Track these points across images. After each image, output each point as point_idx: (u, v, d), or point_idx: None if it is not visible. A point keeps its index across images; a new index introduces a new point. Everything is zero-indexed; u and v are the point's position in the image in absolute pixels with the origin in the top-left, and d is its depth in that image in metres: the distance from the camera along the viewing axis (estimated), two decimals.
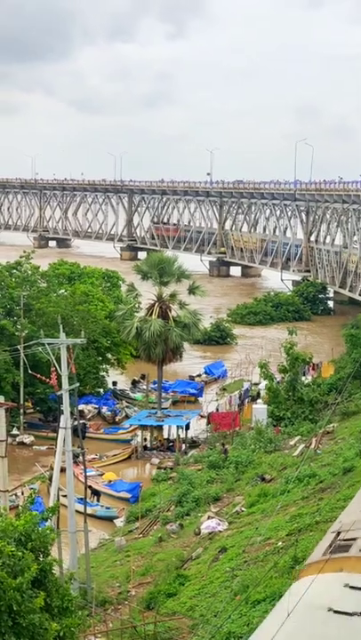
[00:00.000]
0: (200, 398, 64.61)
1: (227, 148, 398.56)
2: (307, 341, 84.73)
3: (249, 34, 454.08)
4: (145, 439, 53.43)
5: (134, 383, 68.45)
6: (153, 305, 55.68)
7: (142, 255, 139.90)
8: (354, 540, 13.32)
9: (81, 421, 46.16)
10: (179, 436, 52.86)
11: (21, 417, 54.85)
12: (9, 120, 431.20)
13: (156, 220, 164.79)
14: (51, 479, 33.39)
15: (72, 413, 31.28)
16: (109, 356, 64.53)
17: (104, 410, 59.95)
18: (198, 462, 45.78)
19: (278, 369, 54.09)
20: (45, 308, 59.65)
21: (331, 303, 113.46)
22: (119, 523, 40.79)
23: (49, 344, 31.16)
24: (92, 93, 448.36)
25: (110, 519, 41.60)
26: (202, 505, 37.24)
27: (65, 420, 29.72)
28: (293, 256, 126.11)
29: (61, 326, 32.13)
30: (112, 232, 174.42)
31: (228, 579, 26.44)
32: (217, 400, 61.06)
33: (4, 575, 15.41)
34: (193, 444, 53.25)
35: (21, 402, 54.58)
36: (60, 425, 29.91)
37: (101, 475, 47.14)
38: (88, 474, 37.14)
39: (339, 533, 14.05)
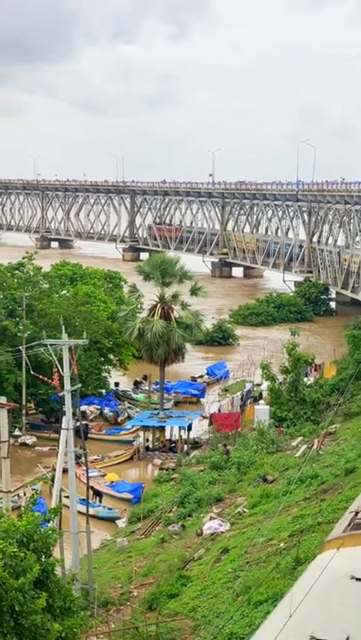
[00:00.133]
0: (202, 399, 64.60)
1: (229, 149, 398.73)
2: (309, 342, 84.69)
3: (251, 34, 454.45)
4: (147, 440, 53.43)
5: (136, 384, 68.45)
6: (155, 306, 55.68)
7: (144, 256, 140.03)
8: None
9: (83, 422, 46.19)
10: (181, 436, 52.86)
11: (23, 418, 54.85)
12: (11, 121, 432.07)
13: (158, 220, 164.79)
14: (53, 480, 33.40)
15: (74, 414, 31.29)
16: (111, 356, 64.55)
17: (106, 411, 59.95)
18: (200, 463, 45.77)
19: (280, 370, 54.07)
20: (47, 308, 59.67)
21: (333, 304, 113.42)
22: (121, 523, 40.78)
23: (51, 345, 31.18)
24: (94, 94, 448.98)
25: (112, 520, 41.61)
26: (204, 506, 37.24)
27: (67, 421, 29.71)
28: (295, 257, 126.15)
29: (63, 327, 32.12)
30: (114, 233, 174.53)
31: (231, 580, 26.43)
32: (219, 401, 61.01)
33: (6, 576, 15.41)
34: (195, 444, 53.25)
35: (24, 403, 54.57)
36: (63, 426, 29.91)
37: (104, 475, 47.15)
38: (90, 475, 37.13)
39: (357, 513, 15.66)
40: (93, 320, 61.59)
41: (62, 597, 16.99)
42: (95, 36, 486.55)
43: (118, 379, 68.01)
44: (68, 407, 29.82)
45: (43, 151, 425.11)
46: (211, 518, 34.32)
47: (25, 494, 40.05)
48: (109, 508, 42.38)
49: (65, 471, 30.77)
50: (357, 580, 12.71)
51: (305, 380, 55.39)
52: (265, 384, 57.42)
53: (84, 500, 33.23)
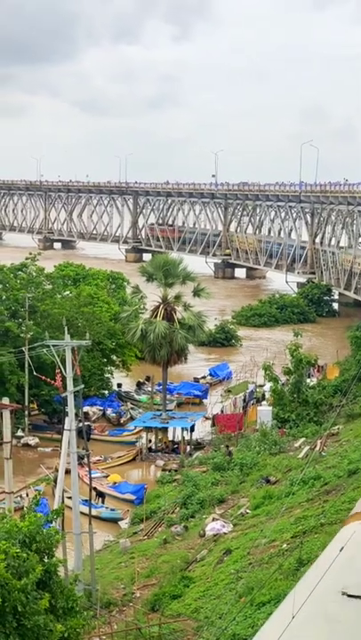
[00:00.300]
0: (205, 400, 64.55)
1: (231, 150, 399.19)
2: (312, 343, 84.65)
3: (253, 35, 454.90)
4: (150, 441, 53.41)
5: (139, 385, 68.43)
6: (158, 307, 55.70)
7: (147, 257, 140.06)
8: None
9: (86, 423, 46.17)
10: (183, 437, 52.84)
11: (26, 418, 54.89)
12: (14, 122, 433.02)
13: (161, 222, 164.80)
14: (55, 481, 33.42)
15: (77, 415, 31.31)
16: (114, 357, 64.57)
17: (109, 412, 59.96)
18: (203, 464, 45.74)
19: (283, 371, 54.06)
20: (50, 309, 59.72)
21: (336, 305, 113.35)
22: (124, 524, 40.77)
23: (54, 346, 31.19)
24: (96, 95, 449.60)
25: (115, 521, 41.59)
26: (206, 507, 37.22)
27: (70, 422, 29.71)
28: (298, 258, 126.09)
29: (66, 328, 32.13)
30: (117, 234, 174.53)
31: (233, 581, 26.41)
32: (222, 402, 60.96)
33: (8, 576, 15.42)
34: (198, 445, 53.24)
35: (26, 403, 54.60)
36: (65, 427, 29.91)
37: (106, 476, 47.13)
38: (93, 476, 37.14)
39: None
40: (96, 321, 61.62)
41: (65, 598, 17.00)
42: (98, 36, 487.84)
43: (121, 380, 68.02)
44: (70, 408, 29.83)
45: (45, 152, 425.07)
46: (213, 519, 34.29)
47: (28, 495, 40.01)
48: (112, 509, 42.36)
49: (68, 472, 30.76)
50: None
51: (308, 381, 55.30)
52: (268, 385, 57.38)
53: (86, 500, 33.25)
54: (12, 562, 15.82)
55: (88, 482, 34.12)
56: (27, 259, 66.06)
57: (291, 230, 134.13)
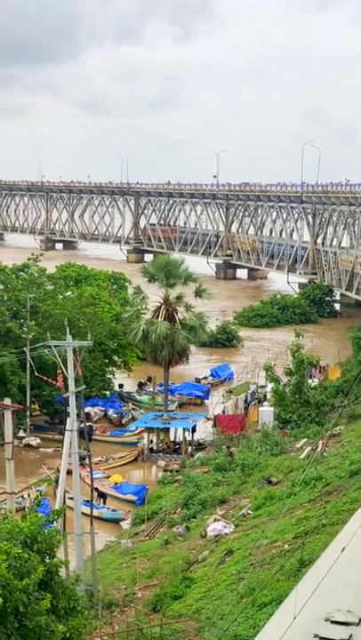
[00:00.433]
0: (206, 401, 64.58)
1: (232, 150, 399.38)
2: (313, 344, 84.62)
3: (255, 36, 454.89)
4: (151, 442, 53.42)
5: (141, 385, 68.43)
6: (159, 307, 55.70)
7: (149, 258, 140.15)
8: None
9: (87, 424, 46.18)
10: (185, 438, 52.84)
11: (28, 419, 54.90)
12: (15, 122, 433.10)
13: (162, 222, 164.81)
14: (57, 481, 33.40)
15: (78, 416, 31.31)
16: (116, 358, 64.57)
17: (110, 412, 59.96)
18: (204, 465, 45.74)
19: (285, 371, 54.06)
20: (52, 310, 59.74)
21: (337, 306, 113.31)
22: (125, 525, 40.75)
23: (55, 346, 31.20)
24: (98, 95, 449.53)
25: (116, 521, 41.59)
26: (208, 507, 37.21)
27: (71, 423, 29.72)
28: (300, 259, 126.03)
29: (68, 329, 32.16)
30: (118, 234, 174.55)
31: (235, 581, 26.41)
32: (223, 402, 60.98)
33: (10, 577, 15.42)
34: (199, 446, 53.23)
35: (28, 404, 54.62)
36: (67, 427, 29.92)
37: (108, 477, 47.14)
38: (94, 476, 37.15)
39: None
40: (98, 321, 61.64)
41: (66, 598, 17.00)
42: (100, 37, 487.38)
43: (122, 380, 68.01)
44: (72, 409, 29.84)
45: (46, 152, 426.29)
46: (215, 520, 34.29)
47: (29, 495, 40.04)
48: (113, 510, 42.36)
49: (69, 473, 30.77)
50: None
51: (309, 381, 55.32)
52: (269, 386, 57.39)
53: (88, 501, 33.27)
54: (14, 562, 15.82)
55: (89, 482, 34.09)
56: (29, 259, 66.06)
57: (292, 231, 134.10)
